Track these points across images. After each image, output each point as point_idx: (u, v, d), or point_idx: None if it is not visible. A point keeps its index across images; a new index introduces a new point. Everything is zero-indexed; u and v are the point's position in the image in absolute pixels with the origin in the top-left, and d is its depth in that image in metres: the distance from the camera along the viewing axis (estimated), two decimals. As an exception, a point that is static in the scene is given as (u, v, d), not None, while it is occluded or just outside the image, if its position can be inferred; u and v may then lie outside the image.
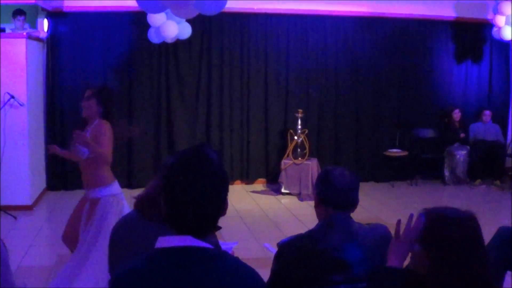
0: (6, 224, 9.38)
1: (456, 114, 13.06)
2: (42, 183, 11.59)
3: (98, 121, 6.06)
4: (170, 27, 9.64)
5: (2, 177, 10.15)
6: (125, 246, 3.58)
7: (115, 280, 2.31)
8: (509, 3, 11.19)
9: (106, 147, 5.98)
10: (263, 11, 12.36)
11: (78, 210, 6.43)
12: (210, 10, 6.91)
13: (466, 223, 2.76)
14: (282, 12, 12.38)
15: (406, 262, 3.00)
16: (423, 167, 13.15)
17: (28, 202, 10.37)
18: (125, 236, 3.66)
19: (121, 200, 6.36)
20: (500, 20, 11.47)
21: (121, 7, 11.56)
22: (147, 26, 10.00)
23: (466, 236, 2.71)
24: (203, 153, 2.32)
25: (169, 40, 10.09)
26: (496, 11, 11.47)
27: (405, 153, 12.82)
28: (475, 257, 2.69)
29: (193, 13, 7.33)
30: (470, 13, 13.06)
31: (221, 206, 2.33)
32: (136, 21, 11.37)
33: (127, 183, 12.09)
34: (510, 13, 11.23)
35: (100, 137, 5.96)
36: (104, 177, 6.21)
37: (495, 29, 11.79)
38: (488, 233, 5.00)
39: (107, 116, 6.17)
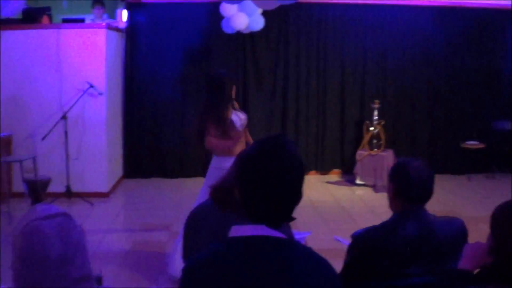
0: (83, 211, 9.59)
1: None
2: (119, 171, 11.79)
3: None
4: (240, 19, 9.66)
5: (80, 164, 10.37)
6: (200, 235, 3.62)
7: (189, 268, 2.33)
8: None
9: None
10: (340, 1, 12.30)
11: None
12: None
13: None
14: (359, 2, 12.31)
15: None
16: (501, 160, 12.90)
17: (105, 189, 10.56)
18: (200, 225, 3.70)
19: None
20: None
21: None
22: (222, 16, 10.04)
23: None
24: (281, 143, 2.31)
25: (243, 31, 10.11)
26: None
27: (482, 145, 12.57)
28: None
29: (274, 5, 7.34)
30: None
31: (296, 197, 2.31)
32: (212, 11, 11.43)
33: (202, 172, 12.22)
34: None
35: None
36: None
37: None
38: None
39: (212, 101, 6.25)
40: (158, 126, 12.08)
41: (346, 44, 12.56)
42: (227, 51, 12.20)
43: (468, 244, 3.01)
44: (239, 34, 10.53)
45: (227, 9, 9.63)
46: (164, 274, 6.76)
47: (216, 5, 10.16)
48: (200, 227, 3.67)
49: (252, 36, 11.69)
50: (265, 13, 9.96)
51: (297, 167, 2.30)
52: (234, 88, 6.50)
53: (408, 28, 12.61)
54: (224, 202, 3.62)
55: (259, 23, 10.04)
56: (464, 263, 2.87)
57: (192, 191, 10.74)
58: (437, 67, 12.77)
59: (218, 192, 3.71)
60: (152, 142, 12.12)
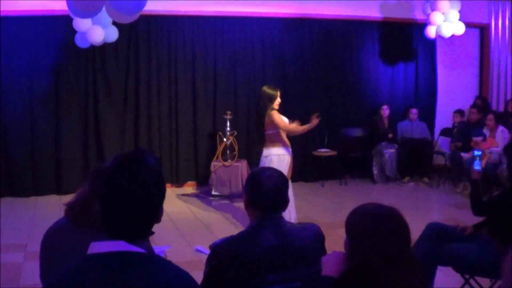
0: None
1: (385, 110, 13.25)
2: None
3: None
4: (96, 32, 9.54)
5: None
6: (57, 254, 3.55)
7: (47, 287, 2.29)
8: (440, 1, 11.59)
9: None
10: (189, 13, 12.32)
11: None
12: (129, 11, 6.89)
13: (388, 218, 2.81)
14: (209, 14, 12.37)
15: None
16: (352, 166, 13.36)
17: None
18: (56, 244, 3.63)
19: None
20: (434, 19, 11.86)
21: (47, 11, 11.36)
22: (73, 30, 9.86)
23: (388, 230, 2.76)
24: (141, 158, 2.33)
25: (96, 44, 9.98)
26: (428, 10, 11.94)
27: (334, 152, 12.94)
28: (400, 251, 2.75)
29: (133, 17, 7.30)
30: (396, 13, 13.30)
31: (156, 213, 2.34)
32: (63, 25, 11.17)
33: (56, 189, 11.93)
34: (443, 11, 11.67)
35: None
36: None
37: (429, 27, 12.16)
38: (417, 229, 5.11)
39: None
40: (7, 143, 11.70)
41: (197, 56, 12.60)
42: (77, 65, 11.93)
43: (326, 255, 3.09)
44: (89, 47, 10.35)
45: (81, 24, 9.48)
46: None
47: (68, 19, 9.95)
48: (57, 246, 3.60)
49: (101, 49, 11.50)
50: (115, 24, 9.87)
51: (157, 182, 2.32)
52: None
53: (258, 39, 12.83)
54: (79, 219, 3.57)
55: (113, 35, 9.95)
56: (325, 273, 2.94)
57: (46, 209, 10.50)
58: (288, 76, 13.06)
59: (73, 209, 3.66)
60: (2, 160, 11.73)
